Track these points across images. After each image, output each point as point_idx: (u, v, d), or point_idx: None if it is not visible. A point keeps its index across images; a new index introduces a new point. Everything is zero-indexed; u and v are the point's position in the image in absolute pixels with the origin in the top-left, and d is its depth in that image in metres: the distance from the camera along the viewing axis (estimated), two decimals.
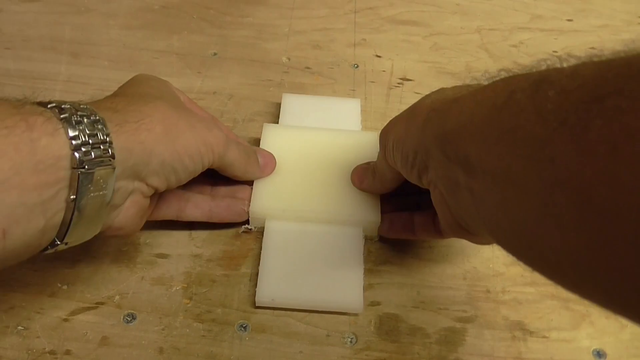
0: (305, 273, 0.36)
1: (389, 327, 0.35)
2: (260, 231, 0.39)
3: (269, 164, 0.40)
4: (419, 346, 0.34)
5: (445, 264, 0.38)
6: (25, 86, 0.48)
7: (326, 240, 0.37)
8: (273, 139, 0.42)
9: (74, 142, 0.26)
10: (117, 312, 0.34)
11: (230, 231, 0.39)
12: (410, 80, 0.53)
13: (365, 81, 0.53)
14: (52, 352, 0.32)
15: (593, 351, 0.35)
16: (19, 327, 0.33)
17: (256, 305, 0.35)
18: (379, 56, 0.56)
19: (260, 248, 0.38)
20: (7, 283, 0.35)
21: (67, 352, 0.32)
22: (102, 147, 0.27)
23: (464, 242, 0.40)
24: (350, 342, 0.34)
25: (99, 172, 0.27)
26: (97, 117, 0.28)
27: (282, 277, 0.35)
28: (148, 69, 0.51)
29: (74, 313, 0.34)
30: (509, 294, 0.37)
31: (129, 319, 0.34)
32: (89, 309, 0.34)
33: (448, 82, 0.53)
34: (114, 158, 0.28)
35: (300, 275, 0.36)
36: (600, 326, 0.36)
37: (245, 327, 0.34)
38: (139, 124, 0.30)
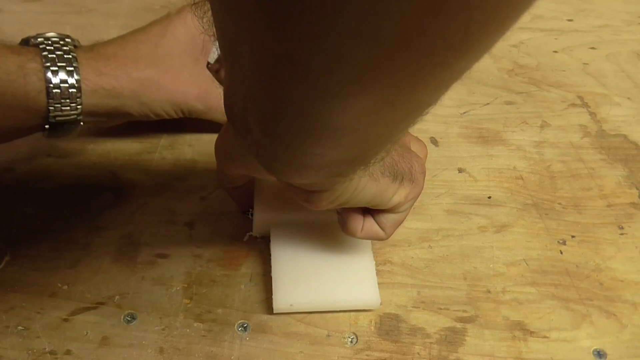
0: (319, 275, 0.36)
1: (390, 327, 0.35)
2: (263, 235, 0.39)
3: None
4: (419, 346, 0.34)
5: (446, 264, 0.38)
6: None
7: (333, 241, 0.37)
8: None
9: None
10: (118, 312, 0.34)
11: (231, 231, 0.39)
12: None
13: None
14: (52, 352, 0.32)
15: (593, 351, 0.34)
16: (19, 327, 0.33)
17: (274, 312, 0.34)
18: None
19: (261, 248, 0.38)
20: (7, 283, 0.35)
21: (68, 352, 0.32)
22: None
23: (464, 243, 0.40)
24: (351, 342, 0.34)
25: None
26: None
27: (296, 282, 0.35)
28: None
29: (74, 313, 0.34)
30: (509, 294, 0.37)
31: (129, 319, 0.34)
32: (89, 309, 0.34)
33: None
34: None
35: (313, 277, 0.35)
36: (600, 326, 0.36)
37: (245, 327, 0.34)
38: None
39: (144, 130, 0.45)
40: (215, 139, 0.45)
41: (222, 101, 0.40)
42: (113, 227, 0.38)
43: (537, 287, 0.37)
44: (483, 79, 0.54)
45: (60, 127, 0.37)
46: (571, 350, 0.34)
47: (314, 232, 0.38)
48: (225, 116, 0.41)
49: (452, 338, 0.35)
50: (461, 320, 0.35)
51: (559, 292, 0.37)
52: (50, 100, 0.36)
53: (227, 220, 0.40)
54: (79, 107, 0.37)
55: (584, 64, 0.57)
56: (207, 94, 0.42)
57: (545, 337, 0.35)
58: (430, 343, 0.34)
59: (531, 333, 0.35)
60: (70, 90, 0.36)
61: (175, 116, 0.42)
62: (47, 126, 0.37)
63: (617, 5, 0.67)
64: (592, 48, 0.60)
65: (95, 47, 0.39)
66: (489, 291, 0.37)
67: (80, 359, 0.32)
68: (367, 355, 0.33)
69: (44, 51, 0.36)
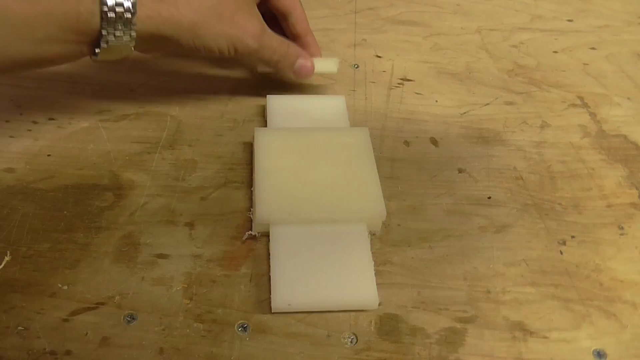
0: (317, 275, 0.36)
1: (390, 328, 0.35)
2: (263, 234, 0.39)
3: (303, 69, 0.46)
4: (419, 346, 0.34)
5: (446, 264, 0.38)
6: (29, 87, 0.48)
7: (332, 240, 0.37)
8: (267, 143, 0.42)
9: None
10: (118, 313, 0.34)
11: (231, 232, 0.39)
12: (411, 80, 0.53)
13: (365, 81, 0.53)
14: (52, 353, 0.32)
15: (593, 351, 0.35)
16: (19, 328, 0.33)
17: (272, 311, 0.35)
18: (379, 56, 0.56)
19: (261, 248, 0.38)
20: (7, 283, 0.35)
21: (68, 353, 0.32)
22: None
23: (465, 243, 0.40)
24: (351, 342, 0.34)
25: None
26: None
27: (295, 281, 0.35)
28: (149, 69, 0.51)
29: (74, 313, 0.34)
30: (510, 294, 0.37)
31: (129, 319, 0.34)
32: (89, 309, 0.34)
33: (448, 83, 0.54)
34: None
35: (312, 277, 0.35)
36: (600, 326, 0.36)
37: (245, 328, 0.34)
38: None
39: (144, 130, 0.46)
40: (215, 141, 0.45)
41: (273, 41, 0.43)
42: (113, 228, 0.38)
43: (537, 287, 0.37)
44: (483, 80, 0.54)
45: (110, 52, 0.36)
46: (571, 351, 0.34)
47: (313, 231, 0.38)
48: (273, 54, 0.44)
49: (452, 338, 0.35)
50: (461, 320, 0.35)
51: (559, 292, 0.37)
52: (104, 24, 0.34)
53: (227, 220, 0.40)
54: (132, 33, 0.35)
55: (584, 64, 0.57)
56: (263, 33, 0.42)
57: (545, 337, 0.35)
58: (430, 343, 0.34)
59: (531, 333, 0.35)
60: (126, 14, 0.34)
61: (225, 54, 0.41)
62: (97, 50, 0.36)
63: (617, 5, 0.67)
64: (592, 48, 0.60)
65: None
66: (489, 291, 0.37)
67: (80, 359, 0.32)
68: (367, 355, 0.33)
69: None
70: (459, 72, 0.55)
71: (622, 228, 0.42)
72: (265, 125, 0.47)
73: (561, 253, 0.40)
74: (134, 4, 0.35)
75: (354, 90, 0.51)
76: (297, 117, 0.46)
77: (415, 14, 0.62)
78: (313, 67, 0.47)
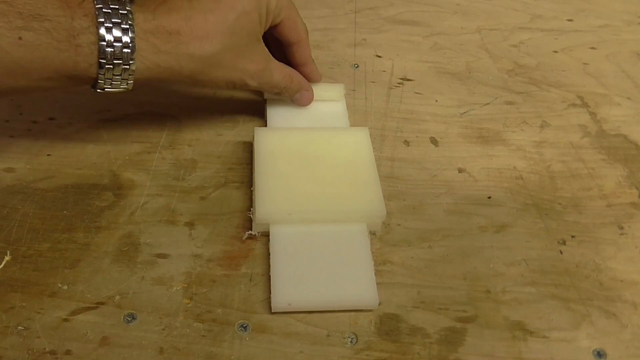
0: (317, 274, 0.36)
1: (389, 327, 0.35)
2: (263, 233, 0.39)
3: (302, 99, 0.46)
4: (419, 346, 0.34)
5: (445, 263, 0.38)
6: None
7: (332, 240, 0.37)
8: (267, 143, 0.42)
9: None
10: (118, 312, 0.34)
11: (231, 231, 0.39)
12: (411, 80, 0.53)
13: (365, 81, 0.53)
14: (52, 352, 0.32)
15: (593, 351, 0.35)
16: (19, 327, 0.33)
17: (272, 311, 0.35)
18: (380, 56, 0.56)
19: (261, 248, 0.38)
20: (7, 283, 0.35)
21: (68, 352, 0.32)
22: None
23: (464, 243, 0.40)
24: (351, 342, 0.34)
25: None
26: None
27: (295, 281, 0.35)
28: None
29: (74, 313, 0.34)
30: (509, 294, 0.37)
31: (129, 319, 0.34)
32: (89, 309, 0.34)
33: (448, 82, 0.54)
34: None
35: (312, 277, 0.35)
36: (600, 326, 0.36)
37: (245, 327, 0.34)
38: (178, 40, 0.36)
39: (144, 130, 0.46)
40: (215, 140, 0.45)
41: (274, 76, 0.43)
42: (113, 227, 0.38)
43: (537, 287, 0.37)
44: (483, 79, 0.54)
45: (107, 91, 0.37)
46: (571, 350, 0.34)
47: (313, 230, 0.38)
48: (273, 89, 0.44)
49: (452, 338, 0.35)
50: (461, 320, 0.35)
51: (558, 292, 0.37)
52: (101, 73, 0.34)
53: (227, 220, 0.40)
54: (130, 81, 0.35)
55: (584, 64, 0.57)
56: (263, 71, 0.41)
57: (545, 337, 0.35)
58: (430, 343, 0.34)
59: (531, 333, 0.35)
60: (124, 66, 0.34)
61: (224, 89, 0.41)
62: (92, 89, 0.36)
63: (617, 5, 0.67)
64: (592, 48, 0.60)
65: (156, 17, 0.35)
66: (488, 291, 0.37)
67: (80, 358, 0.32)
68: (367, 355, 0.33)
69: (100, 17, 0.33)
70: (459, 71, 0.55)
71: (622, 228, 0.42)
72: (265, 125, 0.47)
73: (561, 253, 0.40)
74: (132, 57, 0.34)
75: (354, 90, 0.51)
76: (297, 117, 0.46)
77: (415, 13, 0.62)
78: (312, 97, 0.47)
